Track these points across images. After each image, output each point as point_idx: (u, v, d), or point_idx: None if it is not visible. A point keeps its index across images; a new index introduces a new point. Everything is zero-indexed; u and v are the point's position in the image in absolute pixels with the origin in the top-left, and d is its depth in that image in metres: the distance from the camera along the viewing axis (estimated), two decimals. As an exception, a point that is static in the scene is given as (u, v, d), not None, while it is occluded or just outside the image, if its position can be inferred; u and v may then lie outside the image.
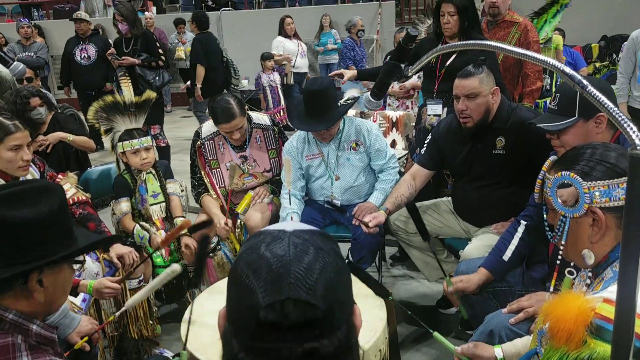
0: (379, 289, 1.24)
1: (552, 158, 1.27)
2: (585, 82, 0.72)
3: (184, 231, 2.56)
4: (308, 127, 2.59)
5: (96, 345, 1.94)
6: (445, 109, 2.96)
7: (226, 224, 2.63)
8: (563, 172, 1.16)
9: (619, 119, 0.69)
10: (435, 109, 3.01)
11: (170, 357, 2.23)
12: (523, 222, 2.01)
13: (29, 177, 2.23)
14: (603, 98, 0.72)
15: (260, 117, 2.86)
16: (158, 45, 4.87)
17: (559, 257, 1.23)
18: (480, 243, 2.27)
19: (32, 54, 6.82)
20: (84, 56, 5.77)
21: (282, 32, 7.21)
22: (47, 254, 1.14)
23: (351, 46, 7.35)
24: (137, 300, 1.88)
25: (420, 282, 3.02)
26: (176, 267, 1.79)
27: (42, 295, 1.16)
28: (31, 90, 3.30)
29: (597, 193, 1.12)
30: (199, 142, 2.80)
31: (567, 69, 0.75)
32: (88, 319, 1.83)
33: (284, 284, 0.65)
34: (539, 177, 1.28)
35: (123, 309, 1.87)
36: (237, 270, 0.70)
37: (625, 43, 4.16)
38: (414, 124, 3.71)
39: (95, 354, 1.94)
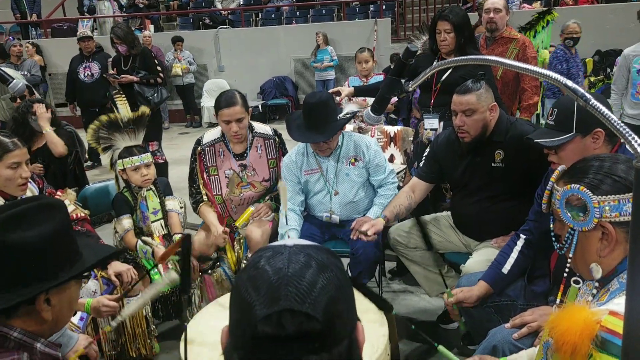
0: (382, 303, 1.22)
1: (561, 168, 1.26)
2: (588, 95, 0.72)
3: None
4: (307, 139, 2.59)
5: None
6: (442, 123, 2.98)
7: (224, 232, 2.61)
8: (572, 185, 1.16)
9: (623, 131, 0.70)
10: (432, 123, 3.03)
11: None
12: (522, 236, 2.01)
13: (28, 193, 2.21)
14: (606, 111, 0.72)
15: (262, 127, 2.87)
16: (156, 62, 4.89)
17: (567, 269, 1.22)
18: (481, 257, 2.26)
19: (25, 72, 6.83)
20: (87, 74, 5.81)
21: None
22: (54, 275, 1.13)
23: (563, 57, 5.37)
24: (135, 308, 1.86)
25: (421, 297, 3.00)
26: (174, 276, 1.79)
27: (50, 314, 1.15)
28: (38, 99, 3.33)
29: (607, 207, 1.11)
30: (199, 148, 2.79)
31: (570, 83, 0.76)
32: (85, 338, 1.80)
33: (281, 295, 0.65)
34: (547, 187, 1.27)
35: (119, 318, 1.84)
36: (238, 285, 0.70)
37: (619, 58, 4.22)
38: (411, 138, 3.72)
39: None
